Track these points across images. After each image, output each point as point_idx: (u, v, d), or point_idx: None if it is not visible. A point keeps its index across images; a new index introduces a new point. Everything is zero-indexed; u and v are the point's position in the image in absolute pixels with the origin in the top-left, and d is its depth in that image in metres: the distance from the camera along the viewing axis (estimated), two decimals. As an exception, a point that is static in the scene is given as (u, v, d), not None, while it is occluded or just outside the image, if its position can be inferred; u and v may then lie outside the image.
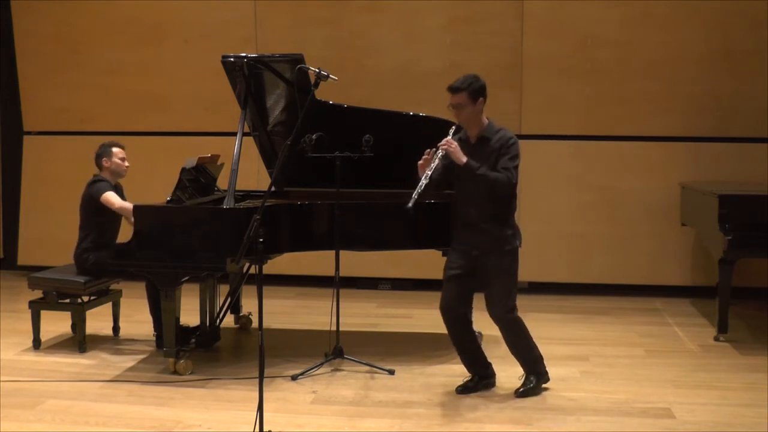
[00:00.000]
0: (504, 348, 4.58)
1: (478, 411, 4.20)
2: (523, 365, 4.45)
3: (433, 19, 7.12)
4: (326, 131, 4.87)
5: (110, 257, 4.83)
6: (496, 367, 4.57)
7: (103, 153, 5.35)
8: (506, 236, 4.25)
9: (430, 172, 4.10)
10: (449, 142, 4.13)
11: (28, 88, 7.81)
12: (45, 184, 7.79)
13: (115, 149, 5.36)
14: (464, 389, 4.43)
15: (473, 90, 4.17)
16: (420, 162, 4.15)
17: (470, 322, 4.44)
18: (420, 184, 4.08)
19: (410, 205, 4.06)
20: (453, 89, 4.19)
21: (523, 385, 4.40)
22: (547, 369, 4.48)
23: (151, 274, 4.82)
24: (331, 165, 4.86)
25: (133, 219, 4.85)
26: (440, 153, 4.12)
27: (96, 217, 5.21)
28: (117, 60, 7.56)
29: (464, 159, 4.10)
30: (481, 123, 4.25)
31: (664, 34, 6.88)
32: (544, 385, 4.47)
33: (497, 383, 4.53)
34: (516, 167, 4.15)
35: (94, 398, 4.38)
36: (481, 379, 4.48)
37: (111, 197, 5.14)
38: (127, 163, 5.39)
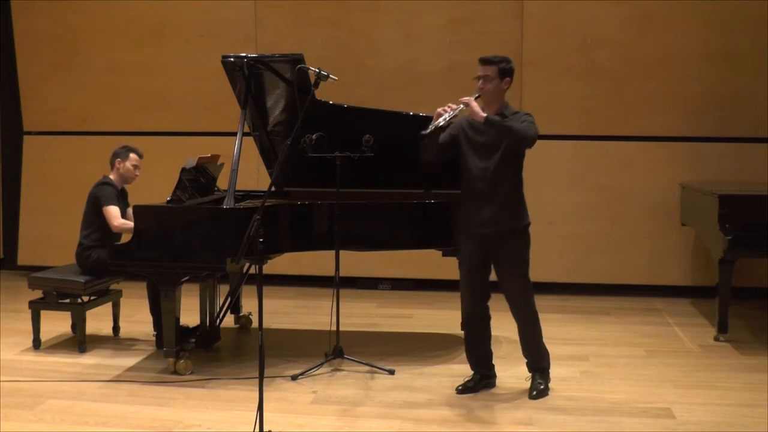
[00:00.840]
0: (505, 348, 4.58)
1: (479, 411, 4.20)
2: (530, 359, 4.45)
3: (433, 19, 7.12)
4: (326, 131, 4.87)
5: (110, 257, 4.83)
6: (496, 368, 4.58)
7: (119, 154, 5.37)
8: (520, 210, 4.28)
9: (448, 117, 4.11)
10: (470, 99, 4.14)
11: (28, 88, 7.81)
12: (45, 184, 7.79)
13: (132, 154, 5.37)
14: (465, 389, 4.44)
15: (503, 68, 4.21)
16: (438, 109, 4.16)
17: (489, 319, 4.43)
18: (437, 122, 4.11)
19: (425, 132, 4.12)
20: (485, 61, 4.23)
21: (534, 388, 4.39)
22: (550, 368, 4.49)
23: (151, 274, 4.81)
24: (331, 165, 4.86)
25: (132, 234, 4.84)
26: (461, 106, 4.14)
27: (100, 216, 5.22)
28: (117, 60, 7.56)
29: (484, 114, 4.09)
30: (501, 102, 4.26)
31: (664, 34, 6.88)
32: (545, 385, 4.49)
33: (497, 383, 4.54)
34: (535, 125, 4.15)
35: (94, 398, 4.38)
36: (482, 378, 4.48)
37: (111, 213, 5.15)
38: (138, 172, 5.40)
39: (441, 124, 4.15)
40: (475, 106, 4.12)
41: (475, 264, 4.33)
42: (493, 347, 4.68)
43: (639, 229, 7.04)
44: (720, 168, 6.83)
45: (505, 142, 4.14)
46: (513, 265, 4.29)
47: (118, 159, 5.35)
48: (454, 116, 4.18)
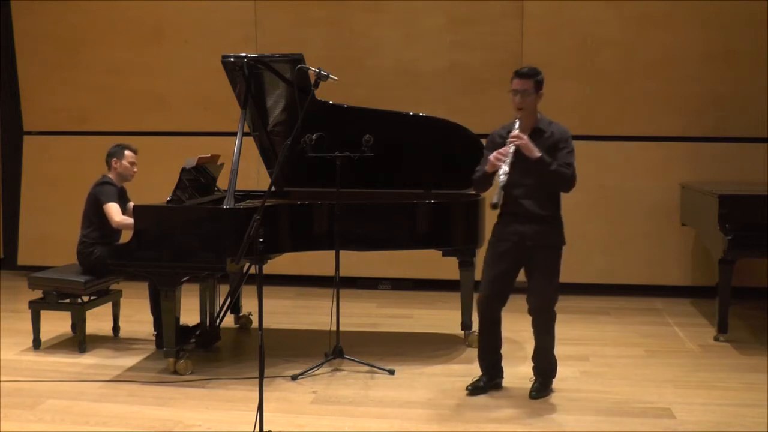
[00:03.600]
0: (505, 348, 4.57)
1: (478, 411, 4.20)
2: (538, 366, 4.44)
3: (433, 19, 7.12)
4: (326, 131, 4.87)
5: (110, 257, 4.83)
6: (497, 368, 4.58)
7: (114, 153, 5.36)
8: (559, 230, 4.28)
9: (507, 168, 4.01)
10: (520, 136, 4.08)
11: (28, 88, 7.81)
12: (45, 184, 7.79)
13: (127, 152, 5.36)
14: (475, 389, 4.41)
15: (538, 81, 4.19)
16: (492, 156, 4.08)
17: (500, 322, 4.42)
18: (501, 180, 3.99)
19: (496, 201, 3.99)
20: (522, 74, 4.17)
21: (534, 389, 4.39)
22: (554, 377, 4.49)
23: (151, 274, 4.81)
24: (331, 165, 4.86)
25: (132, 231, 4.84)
26: (512, 148, 4.06)
27: (100, 215, 5.21)
28: (117, 60, 7.56)
29: (538, 153, 4.07)
30: (535, 115, 4.25)
31: (664, 34, 6.88)
32: (545, 386, 4.48)
33: (497, 383, 4.55)
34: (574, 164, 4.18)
35: (94, 398, 4.38)
36: (490, 379, 4.48)
37: (112, 210, 5.14)
38: (135, 168, 5.39)
39: (504, 180, 3.99)
40: (528, 143, 4.06)
41: (505, 267, 4.29)
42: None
43: (639, 229, 7.04)
44: (720, 168, 6.83)
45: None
46: (546, 274, 4.27)
47: (114, 159, 5.35)
48: (512, 160, 4.07)
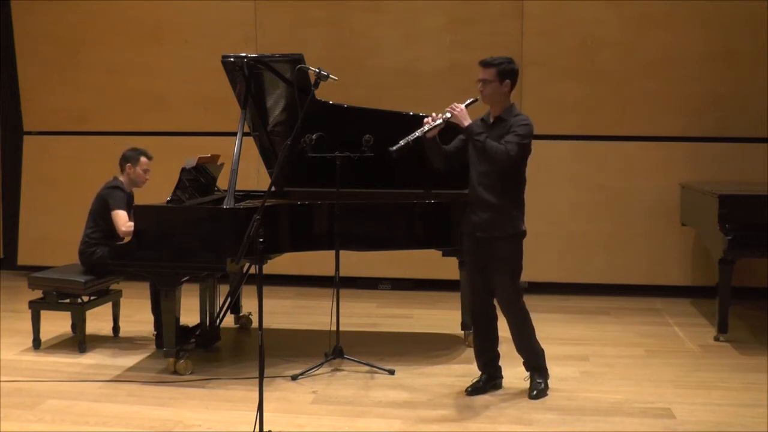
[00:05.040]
0: (504, 348, 4.57)
1: (478, 411, 4.20)
2: (525, 358, 4.44)
3: (433, 19, 7.12)
4: (326, 131, 4.88)
5: (110, 257, 4.83)
6: (496, 368, 4.58)
7: (129, 158, 5.34)
8: (513, 218, 4.25)
9: (427, 128, 4.20)
10: (454, 106, 4.19)
11: (28, 88, 7.81)
12: (45, 184, 7.79)
13: (142, 158, 5.35)
14: (474, 390, 4.42)
15: (502, 70, 4.22)
16: (425, 119, 4.24)
17: (495, 319, 4.44)
18: (411, 136, 4.21)
19: (394, 148, 4.22)
20: (484, 63, 4.26)
21: (534, 387, 4.38)
22: (547, 365, 4.48)
23: (151, 274, 4.81)
24: (331, 165, 4.86)
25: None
26: (446, 115, 4.18)
27: (106, 218, 5.21)
28: (117, 60, 7.55)
29: (466, 123, 4.16)
30: (503, 104, 4.27)
31: (664, 34, 6.88)
32: (546, 384, 4.49)
33: (496, 383, 4.55)
34: (520, 145, 4.12)
35: (94, 398, 4.38)
36: (489, 379, 4.48)
37: (120, 217, 5.13)
38: (148, 176, 5.39)
39: (416, 136, 4.21)
40: (461, 113, 4.17)
41: (475, 260, 4.35)
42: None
43: (639, 229, 7.04)
44: (720, 168, 6.83)
45: None
46: (503, 265, 4.26)
47: (129, 164, 5.33)
48: (435, 127, 4.20)
